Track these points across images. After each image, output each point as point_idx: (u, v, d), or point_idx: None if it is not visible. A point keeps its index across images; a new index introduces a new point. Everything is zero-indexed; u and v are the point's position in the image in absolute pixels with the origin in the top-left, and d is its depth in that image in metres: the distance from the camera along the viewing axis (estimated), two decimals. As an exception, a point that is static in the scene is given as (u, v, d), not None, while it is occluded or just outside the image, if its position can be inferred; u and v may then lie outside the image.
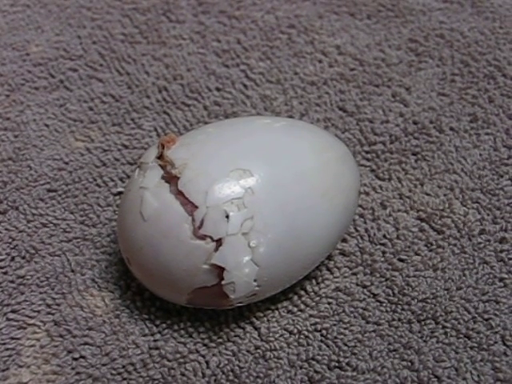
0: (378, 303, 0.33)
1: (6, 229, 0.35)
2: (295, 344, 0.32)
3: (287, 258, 0.31)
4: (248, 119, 0.36)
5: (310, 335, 0.32)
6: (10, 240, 0.35)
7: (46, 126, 0.39)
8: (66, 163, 0.38)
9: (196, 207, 0.30)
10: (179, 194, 0.30)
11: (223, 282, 0.30)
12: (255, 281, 0.30)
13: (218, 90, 0.41)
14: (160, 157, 0.31)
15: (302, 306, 0.33)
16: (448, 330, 0.32)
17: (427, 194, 0.37)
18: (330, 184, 0.32)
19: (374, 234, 0.35)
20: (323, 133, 0.34)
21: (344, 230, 0.33)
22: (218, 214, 0.29)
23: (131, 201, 0.31)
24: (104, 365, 0.31)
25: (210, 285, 0.30)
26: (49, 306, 0.32)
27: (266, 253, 0.30)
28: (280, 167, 0.31)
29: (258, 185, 0.30)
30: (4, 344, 0.32)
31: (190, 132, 0.33)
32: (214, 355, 0.31)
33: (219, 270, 0.30)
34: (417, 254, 0.34)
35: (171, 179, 0.30)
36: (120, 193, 0.36)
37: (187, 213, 0.30)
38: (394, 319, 0.32)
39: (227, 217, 0.29)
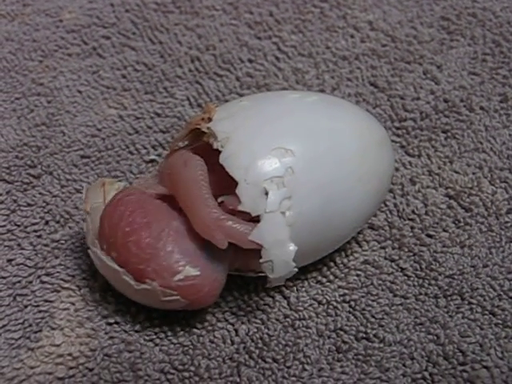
0: (406, 277, 0.33)
1: (40, 193, 0.36)
2: (324, 314, 0.32)
3: (316, 240, 0.31)
4: (280, 94, 0.36)
5: (339, 306, 0.32)
6: (44, 204, 0.35)
7: (79, 92, 0.40)
8: (99, 130, 0.38)
9: (236, 182, 0.30)
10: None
11: (261, 261, 0.30)
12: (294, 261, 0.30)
13: (250, 61, 0.41)
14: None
15: (331, 277, 0.33)
16: (473, 306, 0.32)
17: (456, 172, 0.37)
18: (368, 169, 0.32)
19: (403, 210, 0.35)
20: (363, 114, 0.34)
21: (373, 213, 0.34)
22: (257, 190, 0.29)
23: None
24: (137, 331, 0.31)
25: None
26: (84, 271, 0.33)
27: (299, 233, 0.30)
28: (322, 149, 0.31)
29: (299, 165, 0.30)
30: (37, 306, 0.32)
31: (227, 104, 0.33)
32: (243, 323, 0.32)
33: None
34: (445, 231, 0.35)
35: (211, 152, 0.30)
36: (152, 160, 0.37)
37: None
38: (420, 293, 0.33)
39: (266, 194, 0.29)
